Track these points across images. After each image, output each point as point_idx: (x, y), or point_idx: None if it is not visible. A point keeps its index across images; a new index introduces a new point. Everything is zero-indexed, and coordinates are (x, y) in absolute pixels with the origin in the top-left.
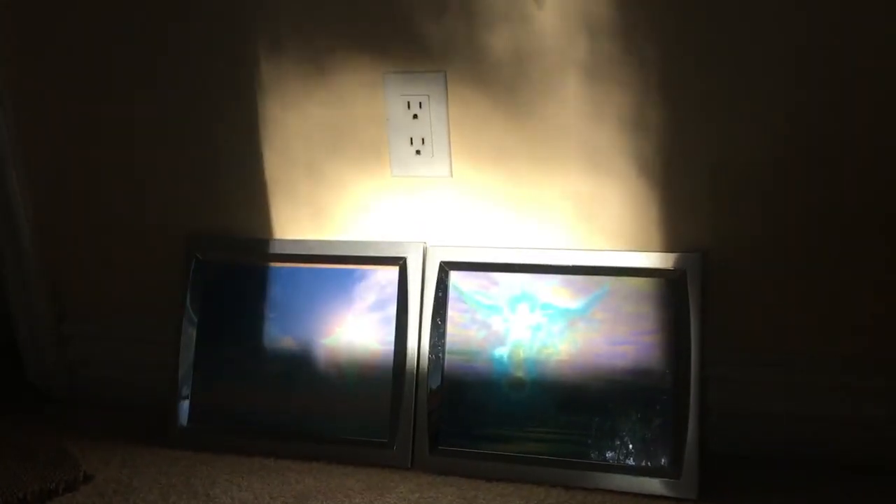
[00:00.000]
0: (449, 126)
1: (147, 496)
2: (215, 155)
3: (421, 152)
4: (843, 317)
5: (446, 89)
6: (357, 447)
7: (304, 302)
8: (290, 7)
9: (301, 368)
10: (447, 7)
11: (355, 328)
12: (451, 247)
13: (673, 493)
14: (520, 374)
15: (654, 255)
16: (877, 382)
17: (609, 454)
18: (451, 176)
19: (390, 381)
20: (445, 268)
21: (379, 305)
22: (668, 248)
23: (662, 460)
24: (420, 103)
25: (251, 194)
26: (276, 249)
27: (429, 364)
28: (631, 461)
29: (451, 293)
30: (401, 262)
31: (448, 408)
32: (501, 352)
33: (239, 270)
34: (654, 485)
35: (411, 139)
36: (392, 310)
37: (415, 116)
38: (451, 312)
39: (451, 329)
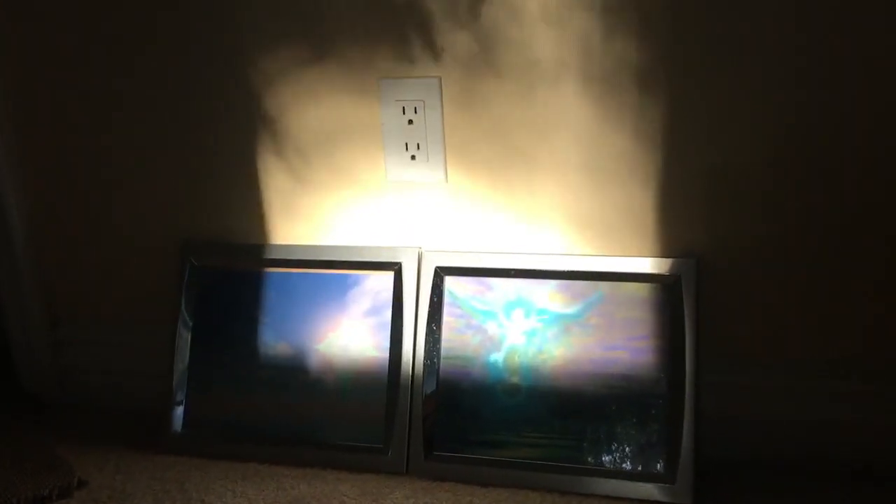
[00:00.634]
0: (444, 131)
1: (141, 502)
2: (210, 160)
3: (416, 158)
4: (839, 321)
5: (441, 95)
6: (352, 453)
7: (298, 307)
8: (285, 12)
9: (296, 374)
10: (442, 12)
11: (350, 333)
12: (447, 252)
13: (668, 499)
14: (515, 379)
15: (649, 260)
16: (872, 387)
17: (604, 459)
18: (447, 181)
19: (385, 386)
20: (440, 273)
21: (374, 311)
22: (662, 253)
23: (657, 465)
24: (415, 109)
25: (246, 200)
26: (270, 255)
27: (424, 369)
28: (626, 466)
29: (447, 298)
30: (396, 268)
31: (443, 413)
32: (496, 357)
33: (233, 276)
34: (649, 490)
35: (406, 144)
36: (387, 315)
37: (410, 122)
38: (447, 318)
39: (446, 334)
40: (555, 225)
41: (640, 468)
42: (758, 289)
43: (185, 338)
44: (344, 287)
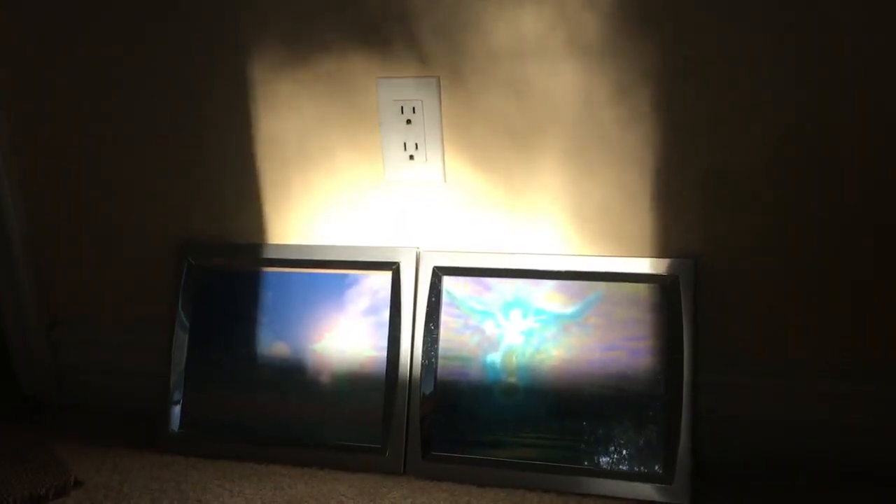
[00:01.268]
0: (442, 131)
1: (138, 501)
2: (207, 160)
3: (414, 157)
4: (837, 321)
5: (439, 94)
6: (349, 453)
7: (296, 307)
8: (282, 12)
9: (293, 374)
10: (440, 12)
11: (348, 333)
12: (445, 252)
13: (665, 499)
14: (513, 379)
15: (647, 260)
16: (869, 388)
17: (601, 460)
18: (445, 181)
19: (383, 386)
20: (438, 273)
21: (372, 310)
22: (661, 253)
23: (655, 466)
24: (413, 108)
25: (243, 199)
26: (268, 254)
27: (422, 369)
28: (623, 466)
29: (444, 298)
30: (394, 268)
31: (441, 413)
32: (494, 357)
33: (231, 275)
34: (646, 490)
35: (405, 144)
36: (385, 315)
37: (408, 121)
38: (445, 318)
39: (444, 334)
40: (553, 225)
41: (637, 468)
42: (756, 289)
43: (182, 338)
44: (342, 287)
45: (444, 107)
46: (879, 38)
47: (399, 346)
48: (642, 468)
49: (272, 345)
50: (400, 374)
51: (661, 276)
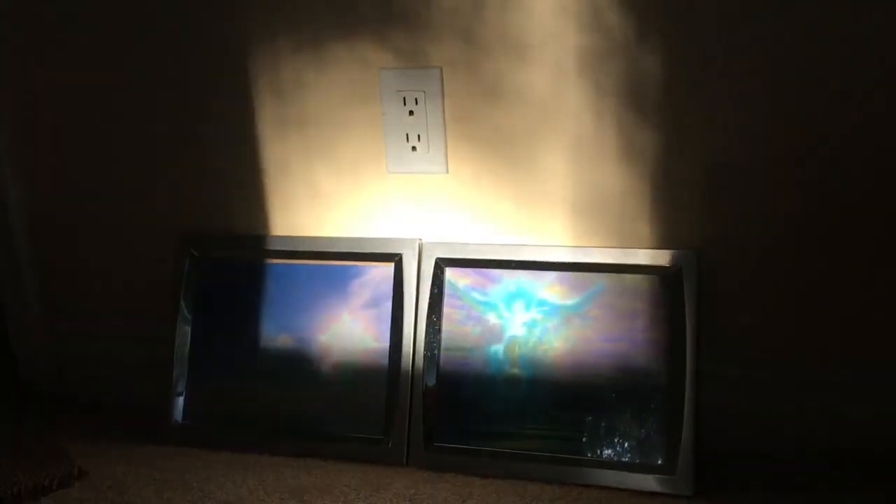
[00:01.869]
0: (445, 122)
1: (142, 492)
2: (209, 151)
3: (417, 149)
4: (838, 314)
5: (442, 85)
6: (352, 443)
7: (299, 299)
8: (284, 3)
9: (296, 365)
10: (443, 2)
11: (351, 325)
12: (447, 243)
13: (668, 490)
14: (515, 370)
15: (650, 251)
16: (871, 379)
17: (604, 450)
18: (447, 172)
19: (386, 377)
20: (441, 264)
21: (374, 302)
22: (663, 245)
23: (657, 457)
24: (416, 99)
25: (246, 191)
26: (271, 246)
27: (424, 361)
28: (626, 458)
29: (447, 290)
30: (396, 259)
31: (443, 404)
32: (497, 348)
33: (234, 267)
34: (649, 481)
35: (407, 136)
36: (388, 306)
37: (411, 113)
38: (447, 309)
39: (446, 326)
40: (556, 216)
41: (639, 459)
42: (759, 281)
43: (185, 329)
44: (345, 278)
45: (446, 98)
46: (880, 37)
47: (402, 338)
48: (644, 459)
49: (275, 336)
50: (403, 365)
51: (664, 267)
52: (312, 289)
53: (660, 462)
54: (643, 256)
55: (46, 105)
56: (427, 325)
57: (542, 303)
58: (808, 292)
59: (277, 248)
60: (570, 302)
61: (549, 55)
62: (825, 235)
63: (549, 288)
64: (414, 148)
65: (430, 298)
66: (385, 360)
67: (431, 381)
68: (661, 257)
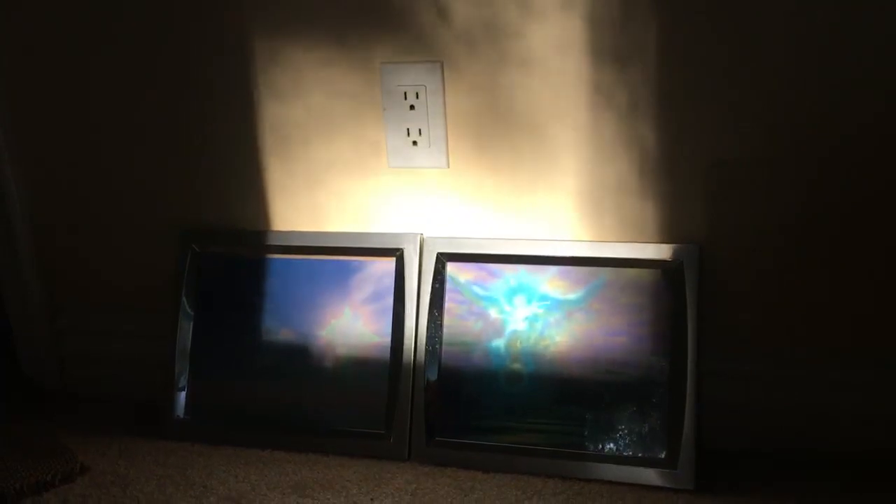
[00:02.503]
0: (446, 117)
1: (144, 487)
2: (210, 147)
3: (418, 143)
4: (840, 310)
5: (443, 80)
6: (354, 438)
7: (300, 294)
8: None
9: (298, 360)
10: None
11: (352, 320)
12: (448, 238)
13: (669, 484)
14: (517, 365)
15: (652, 246)
16: (873, 376)
17: (606, 445)
18: (448, 167)
19: (387, 372)
20: (442, 259)
21: (376, 297)
22: (665, 239)
23: (659, 451)
24: (417, 94)
25: (247, 187)
26: (272, 241)
27: (426, 355)
28: (627, 452)
29: (448, 284)
30: (398, 254)
31: (445, 399)
32: (498, 343)
33: (235, 262)
34: (650, 475)
35: (408, 130)
36: (389, 301)
37: (411, 107)
38: (448, 304)
39: (448, 320)
40: (557, 210)
41: (641, 454)
42: (760, 276)
43: (186, 324)
44: (346, 273)
45: (447, 92)
46: (879, 36)
47: (403, 333)
48: (646, 454)
49: (276, 331)
50: (404, 360)
51: (666, 261)
52: (313, 284)
53: (661, 456)
54: (645, 251)
55: (47, 104)
56: (428, 320)
57: (543, 297)
58: (810, 287)
59: (278, 243)
60: (571, 296)
61: (550, 50)
62: (827, 230)
63: (550, 282)
64: (415, 142)
65: (431, 293)
66: (386, 355)
67: (433, 376)
68: (662, 251)
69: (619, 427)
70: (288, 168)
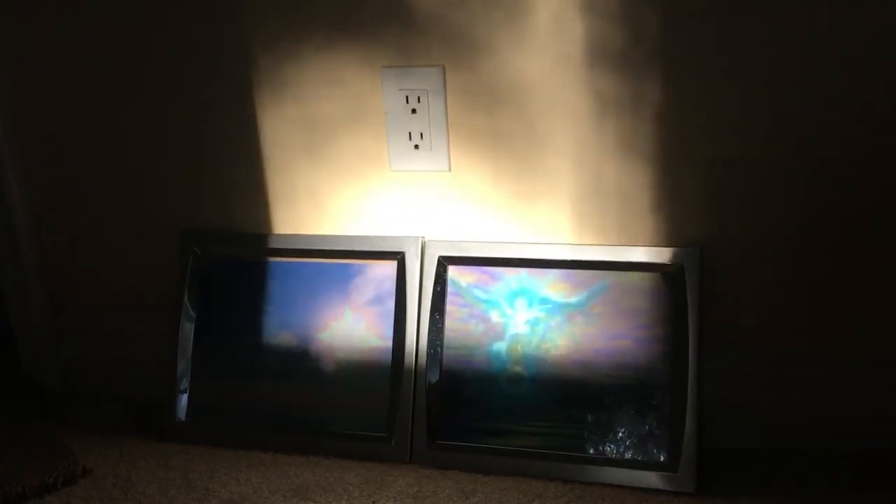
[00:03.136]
0: (448, 120)
1: (146, 490)
2: (212, 149)
3: (419, 147)
4: (841, 311)
5: (445, 83)
6: (355, 441)
7: (302, 296)
8: (286, 2)
9: (299, 363)
10: (445, 1)
11: (353, 323)
12: (450, 241)
13: (671, 487)
14: (518, 368)
15: (653, 249)
16: (873, 376)
17: (607, 448)
18: (450, 170)
19: (389, 375)
20: (444, 262)
21: (377, 300)
22: (666, 242)
23: (660, 454)
24: (419, 97)
25: (249, 189)
26: (274, 244)
27: (427, 358)
28: (628, 455)
29: (450, 288)
30: (399, 257)
31: (446, 402)
32: (500, 346)
33: (237, 265)
34: (651, 478)
35: (410, 134)
36: (390, 304)
37: (413, 111)
38: (450, 307)
39: (449, 324)
40: (559, 213)
41: (642, 457)
42: (761, 278)
43: (188, 327)
44: (347, 276)
45: (449, 96)
46: (880, 35)
47: (404, 336)
48: (647, 457)
49: (278, 334)
50: (405, 363)
51: (667, 265)
52: (315, 286)
53: (662, 459)
54: (646, 254)
55: (48, 105)
56: (430, 323)
57: (544, 300)
58: (811, 289)
59: (280, 245)
60: (572, 300)
61: (551, 53)
62: (827, 232)
63: (551, 286)
64: (416, 146)
65: (432, 296)
66: (388, 358)
67: (434, 379)
68: (663, 255)
69: (620, 430)
70: (289, 171)
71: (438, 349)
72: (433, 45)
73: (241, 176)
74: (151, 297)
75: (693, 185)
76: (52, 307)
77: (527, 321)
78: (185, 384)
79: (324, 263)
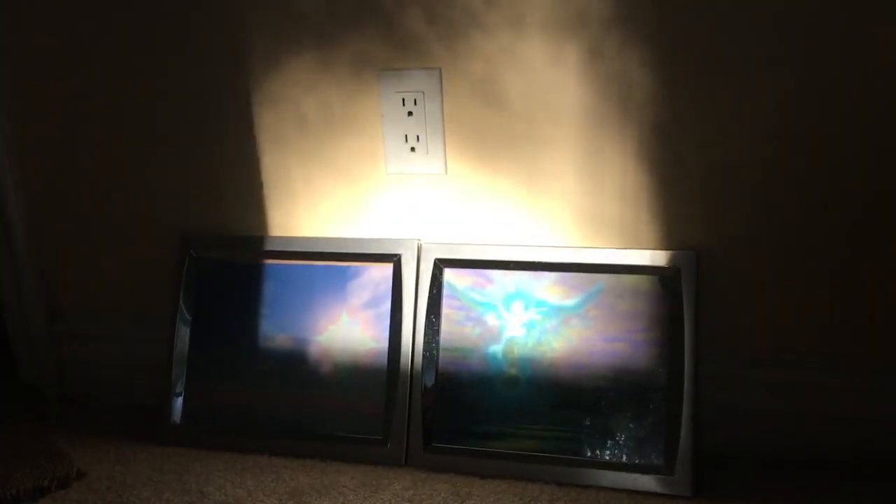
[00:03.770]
0: (444, 123)
1: (140, 493)
2: (209, 153)
3: (416, 149)
4: (837, 315)
5: (441, 86)
6: (351, 444)
7: (298, 299)
8: (283, 4)
9: (295, 366)
10: (442, 3)
11: (349, 325)
12: (446, 244)
13: (667, 490)
14: (514, 371)
15: (649, 252)
16: (870, 379)
17: (603, 451)
18: (446, 173)
19: (384, 378)
20: (440, 265)
21: (373, 303)
22: (662, 245)
23: (656, 457)
24: (415, 100)
25: (245, 192)
26: (270, 247)
27: (423, 361)
28: (625, 458)
29: (446, 290)
30: (395, 260)
31: (442, 405)
32: (496, 349)
33: (233, 268)
34: (647, 482)
35: (406, 136)
36: (386, 307)
37: (409, 114)
38: (446, 310)
39: (445, 326)
40: (555, 217)
41: (638, 460)
42: (757, 281)
43: (184, 330)
44: (343, 279)
45: (445, 98)
46: (879, 36)
47: (400, 338)
48: (643, 460)
49: (274, 337)
50: (401, 365)
51: (663, 268)
52: (311, 289)
53: (658, 463)
54: (642, 257)
55: (46, 107)
56: (426, 326)
57: (540, 303)
58: (807, 291)
59: (276, 248)
60: (569, 303)
61: (548, 56)
62: (824, 236)
63: (547, 289)
64: (413, 149)
65: (428, 299)
66: (384, 361)
67: (430, 382)
68: (659, 258)
69: (617, 433)
70: (286, 174)
71: (434, 352)
72: (429, 47)
73: (237, 179)
74: (147, 301)
75: (689, 189)
76: (47, 310)
77: (523, 324)
78: (180, 387)
79: (320, 266)
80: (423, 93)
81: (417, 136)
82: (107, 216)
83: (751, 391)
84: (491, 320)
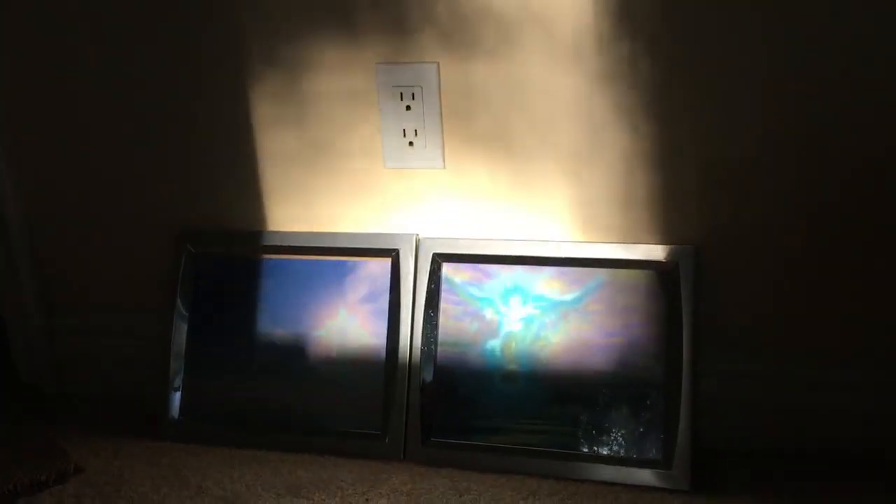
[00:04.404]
0: (442, 117)
1: (138, 488)
2: (205, 147)
3: (414, 144)
4: (835, 310)
5: (439, 80)
6: (349, 439)
7: (296, 294)
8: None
9: (293, 360)
10: None
11: (348, 320)
12: (444, 239)
13: (665, 485)
14: (512, 366)
15: (647, 247)
16: (868, 376)
17: (601, 446)
18: (444, 167)
19: (383, 372)
20: (438, 260)
21: (371, 297)
22: (660, 240)
23: (654, 452)
24: (413, 94)
25: (242, 187)
26: (267, 241)
27: (421, 356)
28: (623, 453)
29: (444, 285)
30: (393, 254)
31: (440, 400)
32: (494, 344)
33: (230, 263)
34: (645, 476)
35: (404, 131)
36: (384, 302)
37: (407, 108)
38: (444, 304)
39: (443, 321)
40: (553, 211)
41: (636, 454)
42: (756, 276)
43: (181, 325)
44: (341, 274)
45: (443, 93)
46: (875, 34)
47: (399, 333)
48: (641, 454)
49: (272, 332)
50: (399, 360)
51: (661, 262)
52: (309, 284)
53: (657, 457)
54: (640, 252)
55: (43, 103)
56: (424, 321)
57: (539, 298)
58: (805, 287)
59: (274, 243)
60: (567, 297)
61: (547, 50)
62: (822, 231)
63: (546, 283)
64: (411, 143)
65: (426, 294)
66: (382, 356)
67: (428, 377)
68: (658, 252)
69: (615, 428)
70: (283, 168)
71: (433, 347)
72: (427, 41)
73: (234, 174)
74: (144, 296)
75: (688, 184)
76: (45, 306)
77: (521, 319)
78: (178, 382)
79: (318, 261)
80: (422, 87)
81: (416, 131)
82: (104, 212)
83: (748, 385)
84: (489, 315)
